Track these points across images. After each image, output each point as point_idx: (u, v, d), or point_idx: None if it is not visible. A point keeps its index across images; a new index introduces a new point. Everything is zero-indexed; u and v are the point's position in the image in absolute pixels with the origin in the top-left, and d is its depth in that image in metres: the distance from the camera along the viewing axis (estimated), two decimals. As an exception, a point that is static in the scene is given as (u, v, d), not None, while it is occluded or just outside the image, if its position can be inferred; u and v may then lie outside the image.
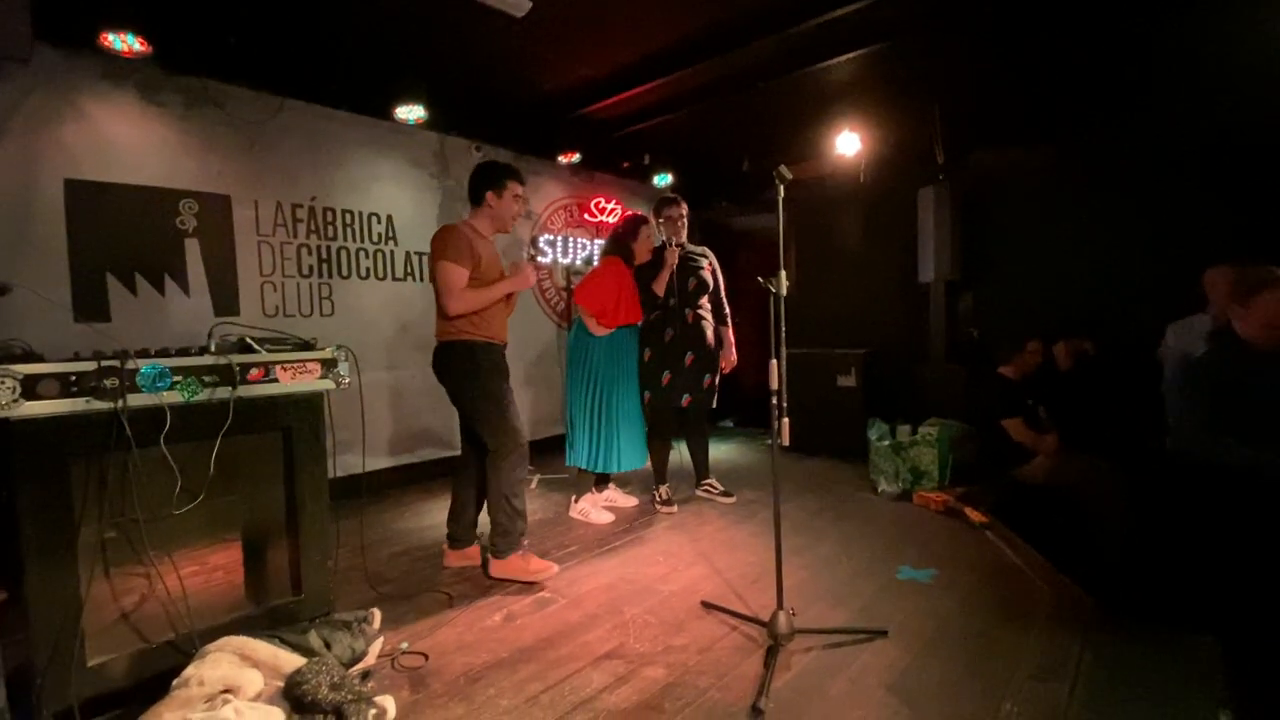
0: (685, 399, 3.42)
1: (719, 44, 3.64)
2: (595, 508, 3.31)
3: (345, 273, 3.79)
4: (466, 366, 2.50)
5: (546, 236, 4.89)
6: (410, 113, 3.84)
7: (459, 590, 2.51)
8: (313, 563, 2.05)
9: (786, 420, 2.04)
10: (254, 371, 1.87)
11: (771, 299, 2.06)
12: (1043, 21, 3.37)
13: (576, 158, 4.89)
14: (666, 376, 3.39)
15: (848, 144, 4.63)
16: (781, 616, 2.00)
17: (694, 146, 5.52)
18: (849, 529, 3.15)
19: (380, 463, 3.91)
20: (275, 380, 1.91)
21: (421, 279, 4.13)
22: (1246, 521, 2.02)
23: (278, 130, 3.50)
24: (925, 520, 3.29)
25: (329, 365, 2.02)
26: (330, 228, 3.74)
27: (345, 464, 2.77)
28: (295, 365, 1.95)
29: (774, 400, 2.04)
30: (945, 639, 2.06)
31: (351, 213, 3.83)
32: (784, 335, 2.05)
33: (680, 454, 3.69)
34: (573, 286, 4.02)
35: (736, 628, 2.15)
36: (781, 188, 2.04)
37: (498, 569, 2.55)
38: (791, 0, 3.21)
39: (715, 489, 3.64)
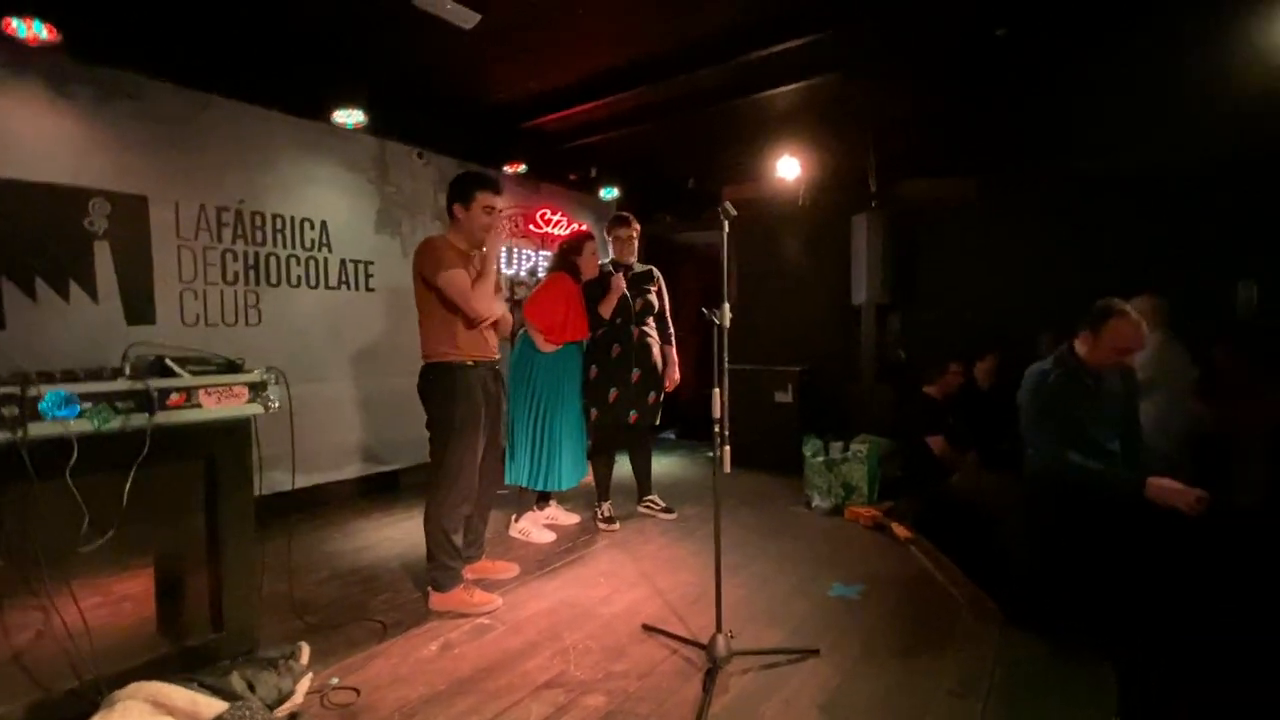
0: (632, 415, 3.45)
1: (666, 70, 3.70)
2: (536, 526, 3.29)
3: (275, 280, 3.61)
4: (442, 388, 2.43)
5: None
6: (349, 116, 3.70)
7: (394, 617, 2.43)
8: (236, 597, 1.95)
9: (728, 448, 2.09)
10: (174, 397, 1.76)
11: (715, 330, 2.10)
12: (967, 66, 3.61)
13: (523, 168, 4.86)
14: (614, 393, 3.40)
15: (788, 168, 4.81)
16: (720, 640, 2.05)
17: (641, 161, 5.58)
18: (785, 546, 3.26)
19: (311, 479, 3.74)
20: (198, 406, 1.81)
21: (357, 287, 3.99)
22: (1102, 532, 2.23)
23: (203, 128, 3.30)
24: (855, 536, 3.44)
25: (257, 389, 1.92)
26: (259, 232, 3.56)
27: (272, 481, 2.65)
28: (220, 389, 1.85)
29: (716, 429, 2.08)
30: (872, 656, 2.16)
31: (283, 217, 3.66)
32: (725, 366, 2.09)
33: (623, 468, 3.71)
34: (519, 299, 3.99)
35: (677, 651, 2.18)
36: (726, 223, 2.09)
37: (439, 602, 2.47)
38: (736, 33, 3.31)
39: (657, 505, 3.68)
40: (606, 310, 3.31)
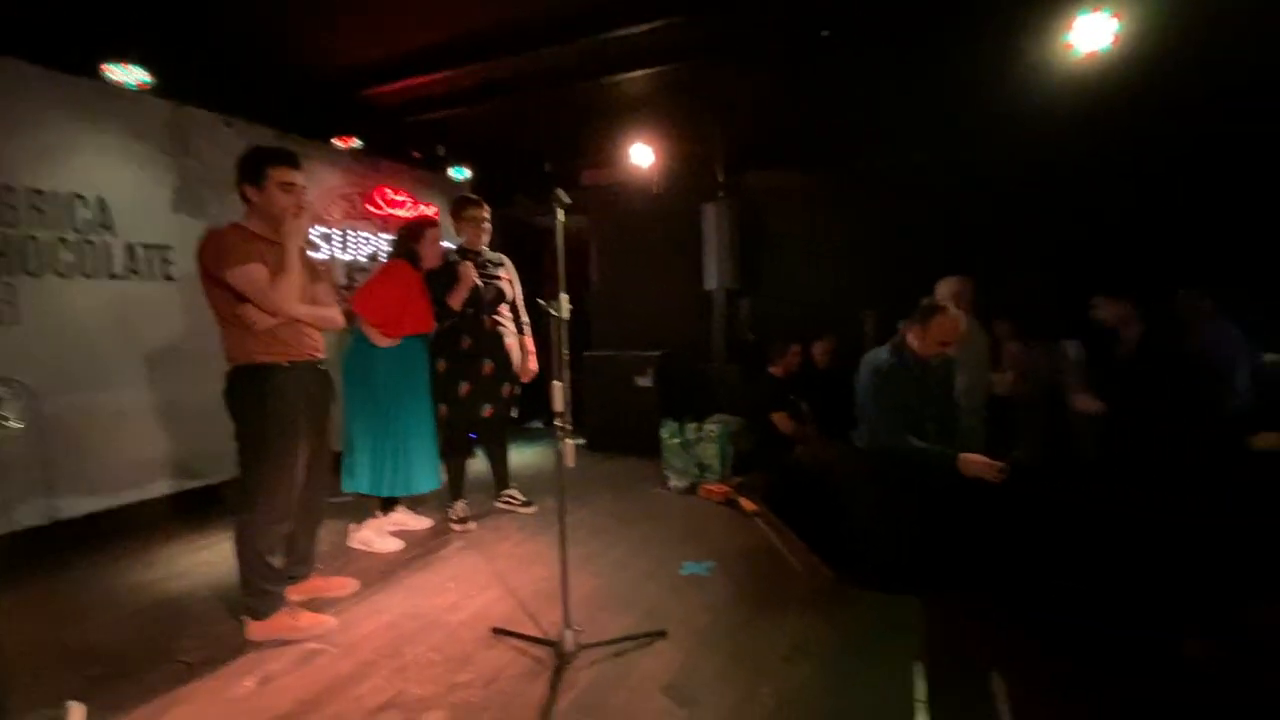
0: (487, 410, 3.30)
1: (512, 44, 3.55)
2: (380, 535, 3.05)
3: (34, 269, 3.00)
4: (250, 395, 2.15)
5: (321, 229, 4.37)
6: (127, 74, 3.16)
7: (203, 655, 2.14)
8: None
9: (570, 443, 2.05)
10: None
11: (553, 322, 2.04)
12: (801, 64, 3.82)
13: (357, 143, 4.45)
14: (465, 387, 3.23)
15: (641, 155, 4.84)
16: (568, 635, 2.03)
17: (494, 141, 5.35)
18: (643, 529, 3.31)
19: (103, 503, 3.20)
20: (-108, 432, 1.43)
21: (152, 276, 3.43)
22: (927, 501, 2.53)
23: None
24: (708, 512, 3.58)
25: (-13, 406, 1.57)
26: (10, 211, 2.93)
27: (37, 511, 2.22)
28: (-72, 410, 1.48)
29: (557, 422, 2.04)
30: (717, 631, 2.26)
31: (43, 192, 3.04)
32: (567, 357, 2.05)
33: (482, 464, 3.57)
34: (354, 289, 3.65)
35: (526, 652, 2.12)
36: (560, 212, 2.03)
37: (258, 631, 2.20)
38: (586, 12, 3.23)
39: (516, 500, 3.58)
40: (456, 301, 3.11)
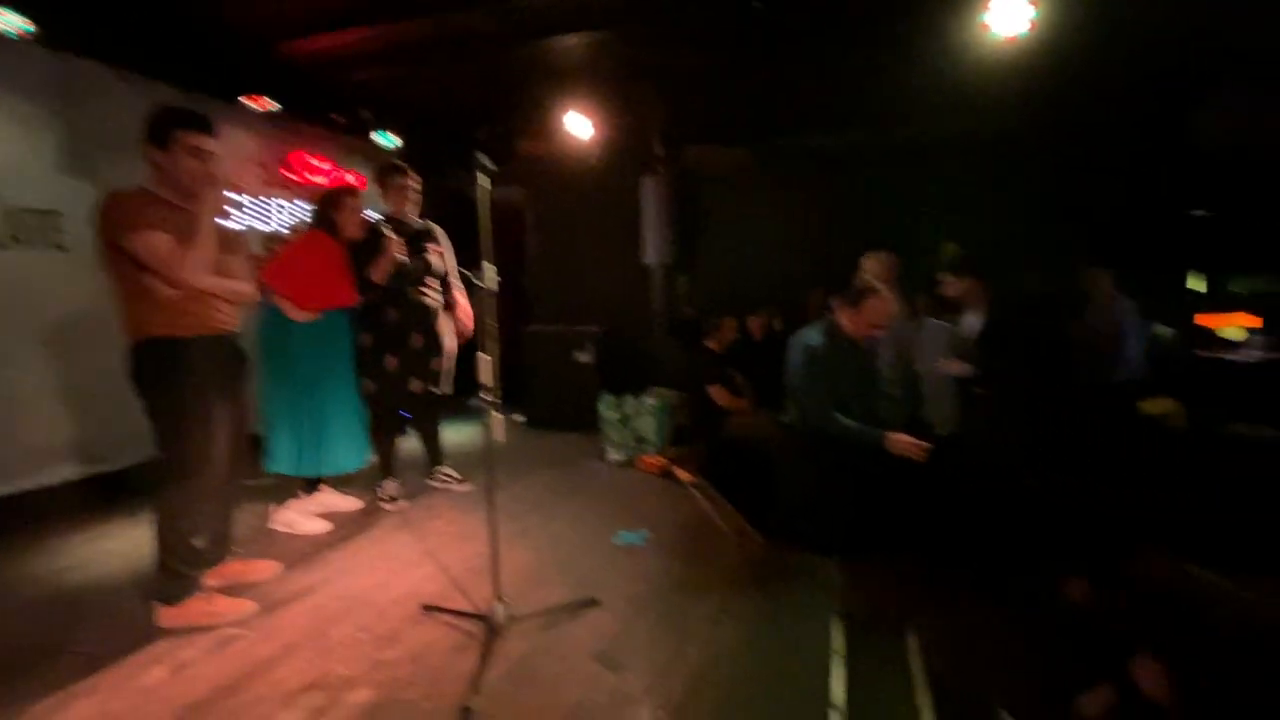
0: (416, 385, 3.21)
1: (436, 1, 3.39)
2: (305, 516, 2.94)
3: (-109, 236, 2.69)
4: (156, 370, 2.02)
5: (234, 197, 4.09)
6: (7, 21, 2.85)
7: (109, 646, 2.02)
8: None
9: (498, 416, 2.02)
10: None
11: (479, 292, 1.99)
12: (736, 37, 3.81)
13: (272, 104, 4.16)
14: (392, 361, 3.13)
15: (578, 125, 4.75)
16: (499, 608, 2.03)
17: (424, 107, 5.12)
18: (579, 502, 3.33)
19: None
20: None
21: (38, 245, 3.14)
22: (855, 472, 2.65)
23: None
24: (645, 484, 3.63)
25: None
26: None
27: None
28: None
29: (484, 396, 2.01)
30: (649, 598, 2.31)
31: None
32: (495, 328, 2.01)
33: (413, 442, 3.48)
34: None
35: (457, 627, 2.11)
36: (483, 177, 1.97)
37: (171, 618, 2.10)
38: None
39: (450, 477, 3.51)
40: (378, 274, 2.98)
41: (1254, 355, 4.14)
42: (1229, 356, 4.24)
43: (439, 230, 3.37)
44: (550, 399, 5.00)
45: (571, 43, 3.82)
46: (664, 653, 1.97)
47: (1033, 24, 2.96)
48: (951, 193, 4.75)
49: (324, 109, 4.61)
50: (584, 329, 4.96)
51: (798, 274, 4.95)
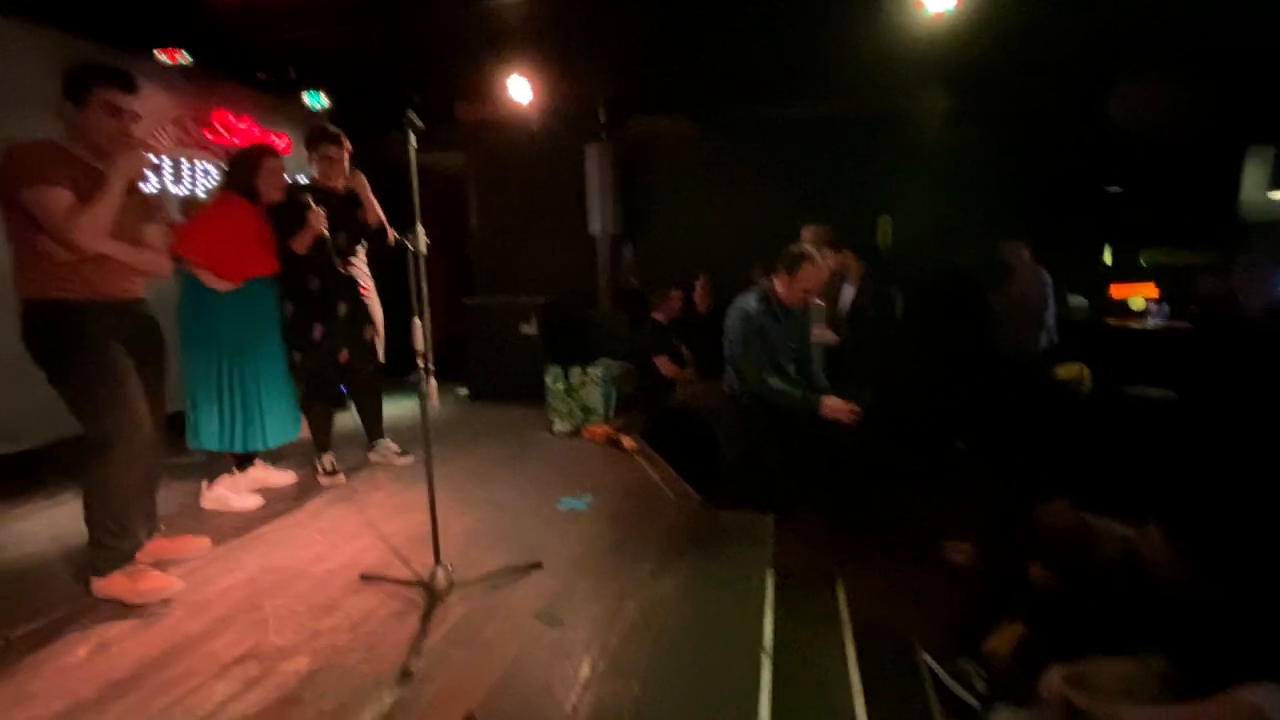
0: (344, 354, 3.12)
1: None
2: (237, 492, 2.85)
3: None
4: (52, 337, 1.92)
5: (149, 158, 3.83)
6: None
7: (28, 627, 1.93)
8: None
9: (434, 381, 2.01)
10: None
11: (410, 256, 1.96)
12: (680, 9, 3.78)
13: (186, 58, 3.89)
14: (318, 330, 3.03)
15: (519, 90, 4.64)
16: (440, 572, 2.03)
17: (356, 66, 4.87)
18: (524, 471, 3.34)
19: None
20: None
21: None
22: (789, 436, 2.76)
23: None
24: (590, 452, 3.67)
25: None
26: None
27: None
28: None
29: (420, 363, 1.98)
30: (590, 558, 2.36)
31: None
32: (425, 293, 1.97)
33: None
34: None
35: (397, 594, 2.10)
36: (412, 135, 1.92)
37: (101, 588, 2.05)
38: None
39: (391, 450, 3.46)
40: (300, 246, 2.86)
41: (1154, 324, 4.48)
42: (1134, 325, 4.57)
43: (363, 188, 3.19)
44: (494, 371, 4.96)
45: (511, 2, 3.71)
46: (603, 609, 2.03)
47: (959, 0, 3.05)
48: (889, 166, 4.89)
49: (246, 65, 4.35)
50: (528, 300, 4.92)
51: (742, 244, 5.02)
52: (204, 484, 2.87)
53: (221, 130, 4.22)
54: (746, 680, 1.63)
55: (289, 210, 2.84)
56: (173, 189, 3.95)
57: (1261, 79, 4.18)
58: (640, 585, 2.15)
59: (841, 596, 2.42)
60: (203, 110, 4.14)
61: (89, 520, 2.05)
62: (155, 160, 3.85)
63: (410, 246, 1.95)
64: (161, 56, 3.75)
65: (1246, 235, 4.56)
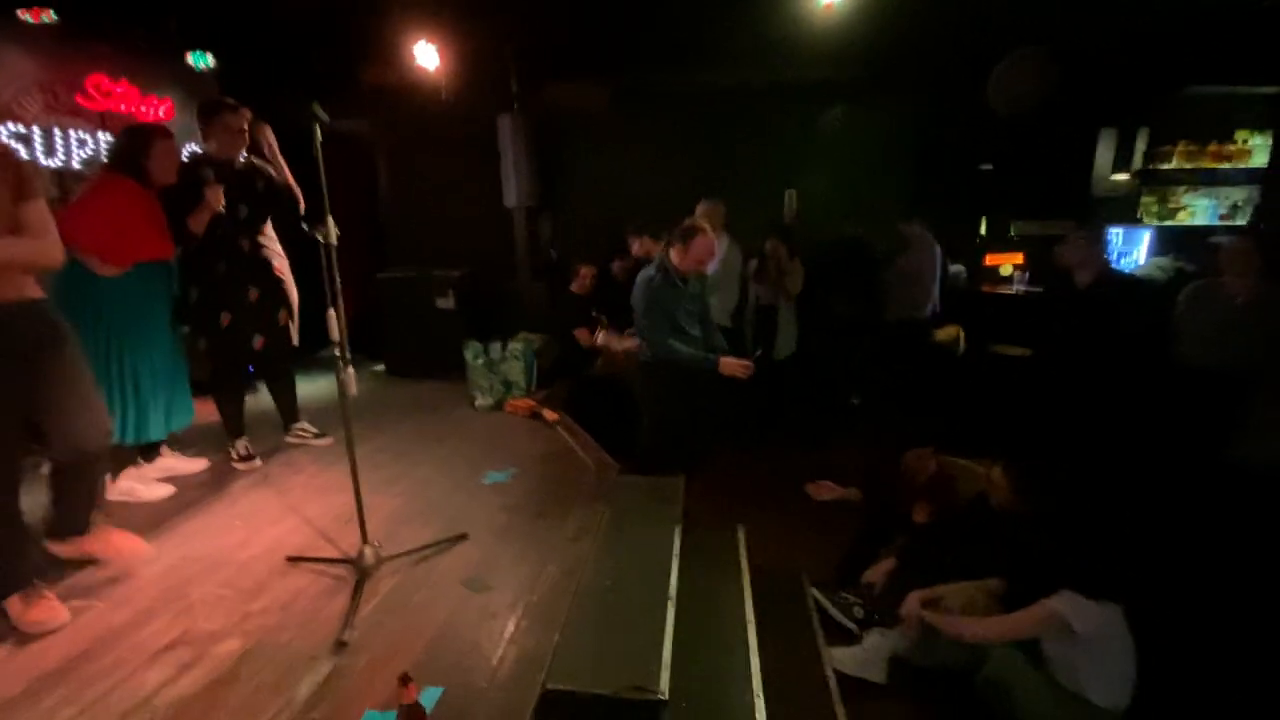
0: (258, 340, 3.07)
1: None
2: (144, 483, 2.79)
3: None
4: None
5: (11, 126, 3.50)
6: None
7: (-74, 636, 1.89)
8: None
9: (351, 370, 2.07)
10: None
11: (322, 248, 1.99)
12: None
13: (52, 16, 3.54)
14: (226, 317, 2.96)
15: (426, 56, 4.51)
16: (367, 550, 2.14)
17: (246, 23, 4.55)
18: (447, 447, 3.43)
19: None
20: None
21: None
22: (695, 395, 3.01)
23: None
24: (512, 426, 3.80)
25: None
26: None
27: None
28: None
29: (337, 353, 2.04)
30: (514, 527, 2.53)
31: None
32: (338, 285, 2.02)
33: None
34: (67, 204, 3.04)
35: (325, 573, 2.20)
36: (318, 128, 1.92)
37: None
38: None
39: (307, 432, 3.45)
40: (197, 225, 2.76)
41: (1017, 289, 5.05)
42: (1002, 291, 5.12)
43: (266, 169, 3.12)
44: (410, 346, 4.94)
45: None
46: (527, 572, 2.21)
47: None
48: (794, 140, 5.15)
49: (121, 22, 3.97)
50: (444, 274, 4.88)
51: (659, 215, 5.17)
52: (108, 477, 2.78)
53: (97, 95, 3.86)
54: (653, 625, 1.86)
55: (185, 188, 2.72)
56: (44, 161, 3.62)
57: (1112, 68, 4.71)
58: (561, 549, 2.34)
59: (741, 542, 2.71)
60: (75, 74, 3.77)
61: None
62: (22, 130, 3.51)
63: (321, 239, 1.97)
64: (25, 16, 3.38)
65: (1097, 209, 5.18)
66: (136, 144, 2.62)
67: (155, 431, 2.75)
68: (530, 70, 4.89)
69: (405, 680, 1.36)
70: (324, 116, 1.92)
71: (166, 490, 2.81)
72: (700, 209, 3.96)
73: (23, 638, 1.86)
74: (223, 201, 2.80)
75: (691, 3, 4.25)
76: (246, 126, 2.98)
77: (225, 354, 3.02)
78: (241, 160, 3.02)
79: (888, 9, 3.72)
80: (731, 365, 3.02)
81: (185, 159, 2.97)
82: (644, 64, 5.08)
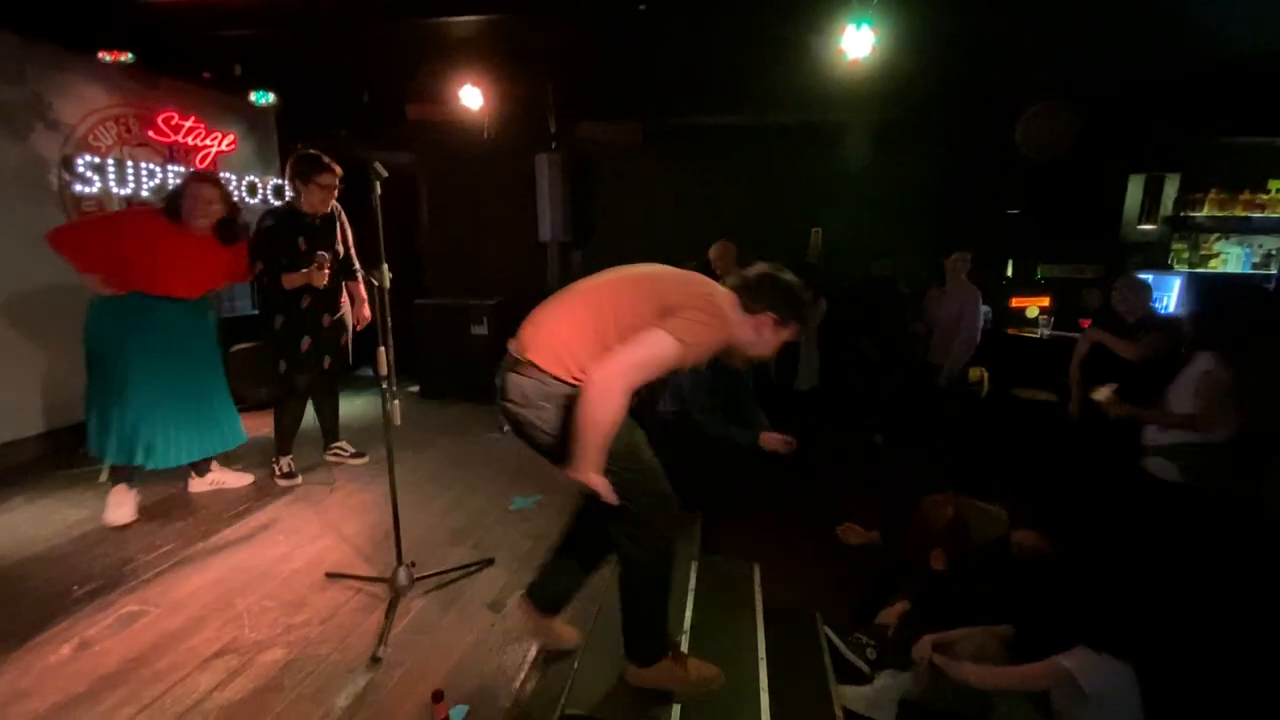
0: (327, 361, 3.33)
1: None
2: (119, 505, 2.80)
3: None
4: None
5: (88, 157, 3.79)
6: None
7: (5, 628, 2.07)
8: None
9: (397, 404, 2.22)
10: None
11: (376, 290, 2.16)
12: (622, 29, 4.01)
13: (128, 56, 3.87)
14: (307, 342, 3.22)
15: (471, 98, 4.77)
16: (401, 571, 2.27)
17: (304, 65, 4.88)
18: (477, 472, 3.57)
19: None
20: None
21: None
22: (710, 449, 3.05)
23: None
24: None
25: None
26: None
27: None
28: None
29: (384, 386, 2.20)
30: (537, 552, 2.63)
31: None
32: (389, 325, 2.19)
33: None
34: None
35: (361, 590, 2.34)
36: (377, 184, 2.11)
37: None
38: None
39: (346, 451, 3.62)
40: (289, 284, 3.04)
41: (1042, 332, 5.05)
42: (1027, 333, 5.13)
43: (339, 212, 3.33)
44: (445, 369, 5.13)
45: (462, 20, 3.84)
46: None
47: (873, 49, 3.38)
48: (822, 180, 5.28)
49: (191, 62, 4.31)
50: (479, 303, 5.08)
51: (685, 253, 5.32)
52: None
53: (167, 129, 4.19)
54: (668, 656, 1.94)
55: (281, 242, 3.03)
56: (116, 189, 3.92)
57: (1141, 117, 4.76)
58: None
59: (756, 580, 2.78)
60: (147, 109, 4.11)
61: None
62: (98, 160, 3.82)
63: (376, 282, 2.15)
64: (104, 56, 3.72)
65: (1126, 254, 5.18)
66: (180, 185, 2.80)
67: (174, 457, 2.82)
68: (567, 110, 5.13)
69: (438, 697, 1.48)
70: (383, 172, 2.10)
71: (128, 516, 2.80)
72: (711, 251, 4.07)
73: (84, 640, 2.03)
74: (326, 281, 3.06)
75: (722, 47, 4.42)
76: (338, 183, 3.14)
77: (302, 375, 3.27)
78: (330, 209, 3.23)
79: (917, 56, 3.83)
80: (774, 441, 3.00)
81: (277, 210, 3.17)
82: (675, 105, 5.28)
